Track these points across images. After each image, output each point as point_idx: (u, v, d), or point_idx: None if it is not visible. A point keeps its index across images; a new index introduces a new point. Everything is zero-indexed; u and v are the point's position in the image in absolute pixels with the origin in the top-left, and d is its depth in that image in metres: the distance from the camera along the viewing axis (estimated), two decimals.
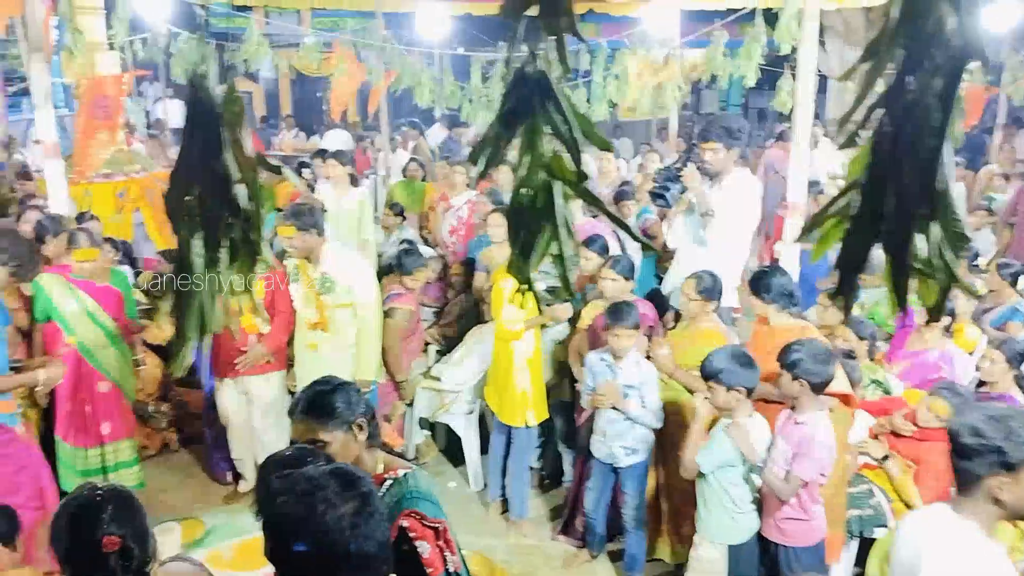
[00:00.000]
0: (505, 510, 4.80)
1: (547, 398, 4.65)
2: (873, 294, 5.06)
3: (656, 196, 4.81)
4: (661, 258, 5.60)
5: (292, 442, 2.31)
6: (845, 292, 1.01)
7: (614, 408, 3.95)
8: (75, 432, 4.50)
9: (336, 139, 11.05)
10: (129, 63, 9.32)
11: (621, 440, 3.99)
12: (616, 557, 4.32)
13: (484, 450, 5.08)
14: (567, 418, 4.78)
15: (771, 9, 6.42)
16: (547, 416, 4.67)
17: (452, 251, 6.69)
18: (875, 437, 4.08)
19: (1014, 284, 5.18)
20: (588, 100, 8.07)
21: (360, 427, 2.31)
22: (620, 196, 6.56)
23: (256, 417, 4.67)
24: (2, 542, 2.84)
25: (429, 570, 2.12)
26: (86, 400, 4.48)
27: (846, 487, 3.82)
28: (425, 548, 2.13)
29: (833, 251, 1.02)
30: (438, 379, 5.11)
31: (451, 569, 2.17)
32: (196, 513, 4.75)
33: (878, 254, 0.95)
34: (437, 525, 2.18)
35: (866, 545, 3.75)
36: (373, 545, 1.53)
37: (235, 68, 10.92)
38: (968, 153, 10.59)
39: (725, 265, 4.38)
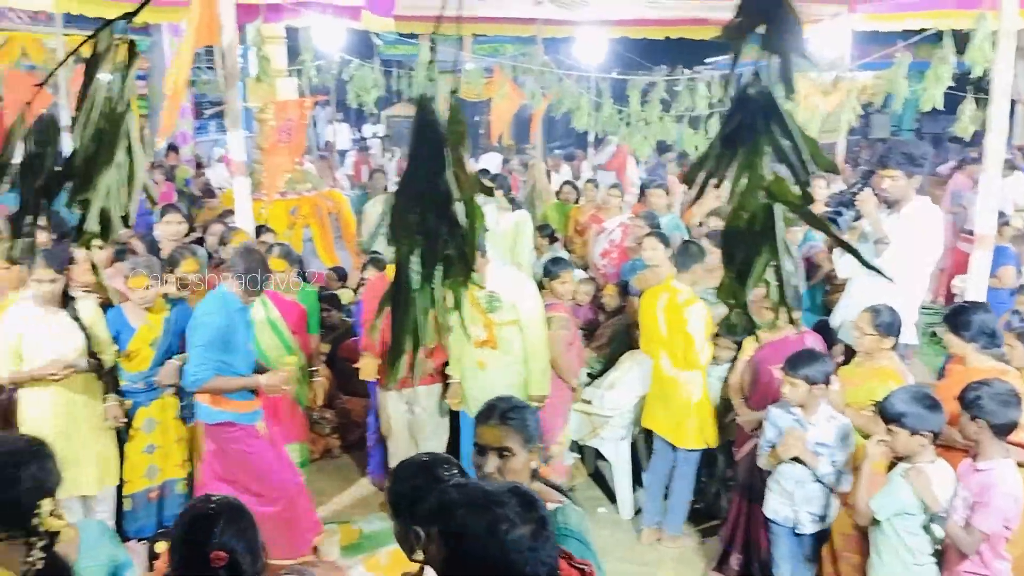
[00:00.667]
0: (659, 539, 4.72)
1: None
2: None
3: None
4: (828, 289, 5.35)
5: (476, 444, 2.31)
6: None
7: (797, 461, 3.64)
8: None
9: (491, 161, 11.33)
10: (305, 89, 9.97)
11: (809, 506, 3.69)
12: None
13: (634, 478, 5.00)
14: (728, 454, 4.65)
15: (960, 30, 6.03)
16: (715, 443, 4.59)
17: (603, 274, 6.67)
18: None
19: None
20: None
21: (536, 454, 2.31)
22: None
23: (417, 427, 4.81)
24: None
25: None
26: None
27: None
28: None
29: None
30: (588, 402, 5.08)
31: None
32: (354, 518, 4.93)
33: None
34: (584, 567, 2.12)
35: None
36: (545, 572, 1.49)
37: (401, 93, 11.47)
38: None
39: (903, 299, 4.13)
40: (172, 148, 11.17)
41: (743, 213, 1.05)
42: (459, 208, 1.08)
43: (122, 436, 4.48)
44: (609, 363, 5.44)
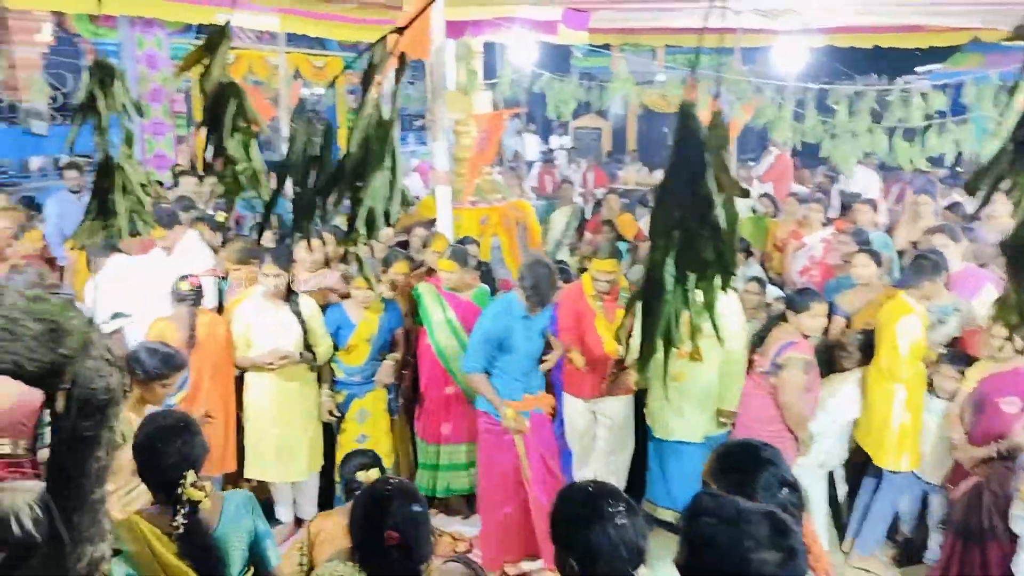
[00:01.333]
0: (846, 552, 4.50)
1: None
2: None
3: None
4: None
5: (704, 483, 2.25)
6: None
7: None
8: (422, 427, 4.97)
9: None
10: (499, 101, 10.27)
11: None
12: None
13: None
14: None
15: None
16: (916, 467, 4.34)
17: None
18: None
19: None
20: (976, 136, 7.27)
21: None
22: None
23: (602, 436, 4.80)
24: None
25: None
26: (432, 400, 4.92)
27: None
28: None
29: None
30: None
31: None
32: None
33: None
34: None
35: None
36: None
37: (590, 105, 11.55)
38: None
39: None
40: None
41: None
42: (720, 212, 1.07)
43: (331, 426, 4.81)
44: None
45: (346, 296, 4.96)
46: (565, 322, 4.82)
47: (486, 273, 6.49)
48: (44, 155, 12.97)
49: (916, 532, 4.63)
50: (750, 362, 4.43)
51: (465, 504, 5.09)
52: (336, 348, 4.74)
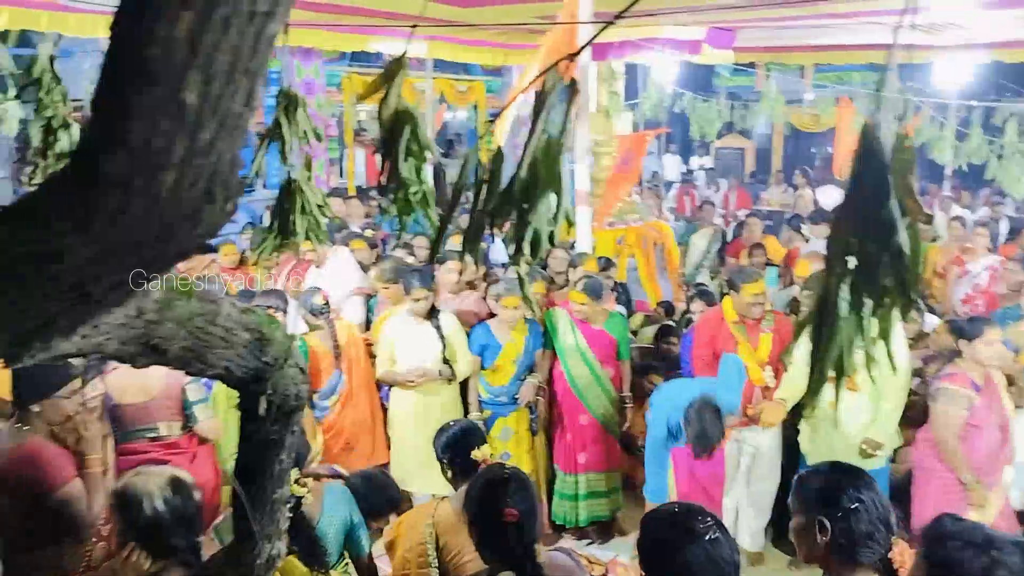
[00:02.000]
0: None
1: None
2: None
3: None
4: None
5: None
6: None
7: None
8: (561, 455, 4.95)
9: (829, 194, 10.71)
10: (639, 122, 10.25)
11: None
12: None
13: None
14: None
15: None
16: None
17: None
18: None
19: None
20: None
21: None
22: None
23: (745, 465, 4.65)
24: None
25: None
26: (568, 429, 4.90)
27: None
28: None
29: None
30: None
31: None
32: None
33: None
34: None
35: None
36: None
37: (733, 124, 11.33)
38: None
39: None
40: None
41: None
42: (903, 237, 1.04)
43: None
44: None
45: (485, 318, 5.04)
46: (701, 348, 4.73)
47: (622, 294, 6.46)
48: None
49: None
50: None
51: (600, 531, 5.04)
52: (481, 367, 4.83)
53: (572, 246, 6.13)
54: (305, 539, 2.59)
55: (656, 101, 9.56)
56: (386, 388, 5.05)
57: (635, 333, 6.09)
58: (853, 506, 1.93)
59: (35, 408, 2.82)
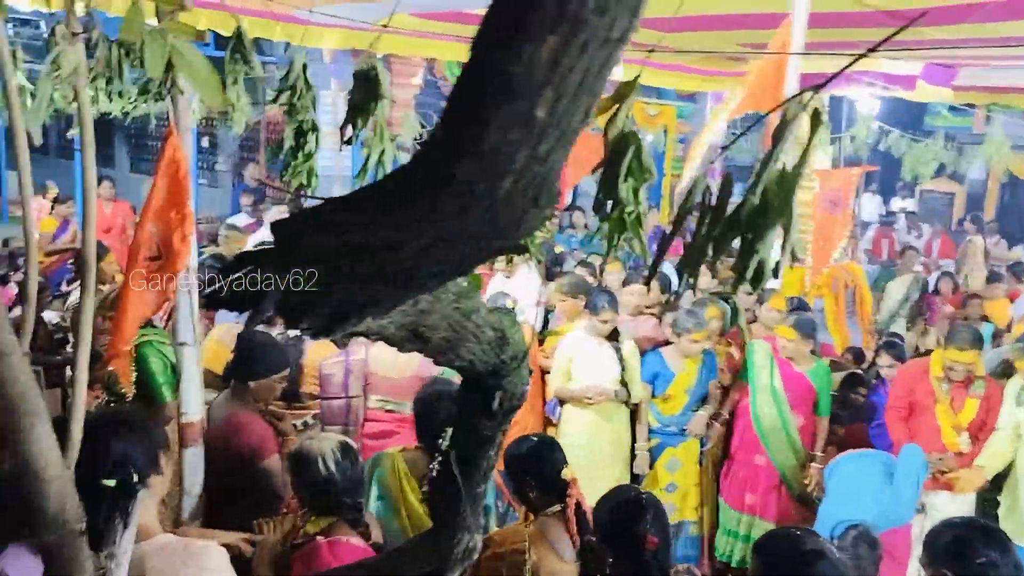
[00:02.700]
0: None
1: None
2: None
3: None
4: None
5: None
6: None
7: None
8: (727, 489, 4.77)
9: None
10: (838, 158, 9.78)
11: None
12: None
13: None
14: None
15: None
16: None
17: None
18: None
19: None
20: None
21: None
22: None
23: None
24: None
25: None
26: (741, 466, 4.71)
27: None
28: None
29: None
30: None
31: None
32: None
33: None
34: None
35: None
36: None
37: (944, 167, 10.57)
38: None
39: None
40: None
41: None
42: None
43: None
44: None
45: (659, 344, 4.97)
46: (898, 400, 4.43)
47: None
48: None
49: None
50: None
51: None
52: (652, 395, 4.77)
53: None
54: (442, 497, 2.75)
55: (863, 137, 9.08)
56: (553, 402, 5.06)
57: None
58: (980, 561, 1.93)
59: (252, 384, 3.10)
